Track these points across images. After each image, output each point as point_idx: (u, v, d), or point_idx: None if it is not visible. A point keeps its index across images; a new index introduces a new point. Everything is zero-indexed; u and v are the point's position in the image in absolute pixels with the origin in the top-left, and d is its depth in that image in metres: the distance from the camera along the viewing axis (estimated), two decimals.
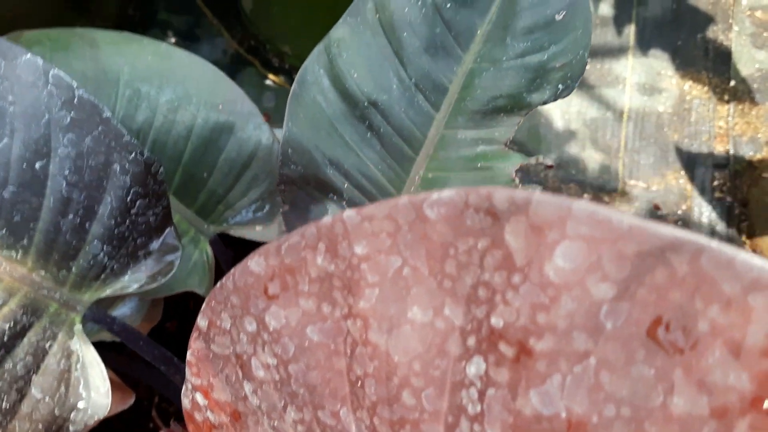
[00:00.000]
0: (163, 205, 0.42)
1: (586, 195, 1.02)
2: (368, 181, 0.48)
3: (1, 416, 0.36)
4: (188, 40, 1.07)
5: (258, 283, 0.27)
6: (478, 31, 0.45)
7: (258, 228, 0.51)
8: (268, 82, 1.06)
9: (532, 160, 0.44)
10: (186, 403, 0.35)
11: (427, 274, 0.24)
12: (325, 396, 0.28)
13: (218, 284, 0.29)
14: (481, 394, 0.23)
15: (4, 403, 0.36)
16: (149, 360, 0.46)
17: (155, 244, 0.43)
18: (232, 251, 0.64)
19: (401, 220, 0.24)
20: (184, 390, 0.35)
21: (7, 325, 0.37)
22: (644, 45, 1.09)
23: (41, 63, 0.37)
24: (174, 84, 0.48)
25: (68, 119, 0.38)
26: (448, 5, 0.45)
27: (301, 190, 0.47)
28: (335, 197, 0.48)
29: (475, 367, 0.23)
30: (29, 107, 0.37)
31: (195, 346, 0.32)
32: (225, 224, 0.51)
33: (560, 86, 0.44)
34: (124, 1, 1.08)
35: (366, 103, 0.46)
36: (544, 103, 0.44)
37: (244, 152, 0.49)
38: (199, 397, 0.33)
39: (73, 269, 0.40)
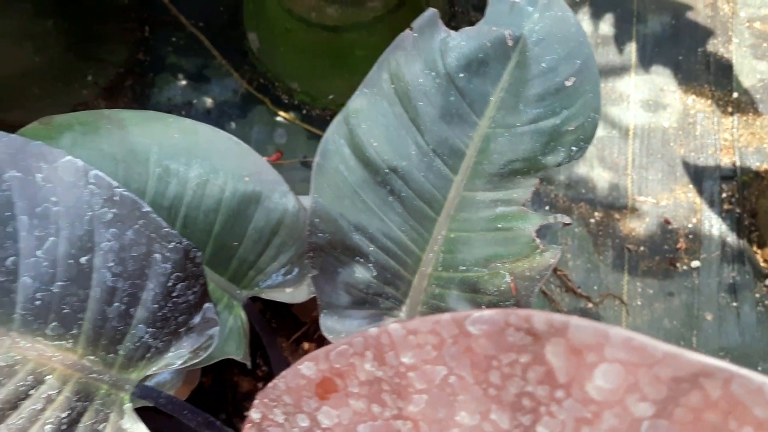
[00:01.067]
0: (201, 283, 0.44)
1: (596, 213, 1.04)
2: (393, 243, 0.49)
3: None
4: (199, 82, 1.09)
5: (309, 385, 0.29)
6: (492, 99, 0.47)
7: (288, 290, 0.53)
8: (278, 118, 1.08)
9: (551, 219, 0.46)
10: None
11: (473, 383, 0.26)
12: None
13: (270, 384, 0.31)
14: None
15: None
16: (193, 427, 0.48)
17: (195, 320, 0.45)
18: (261, 305, 0.66)
19: (445, 334, 0.25)
20: None
21: (66, 414, 0.39)
22: (646, 62, 1.10)
23: (81, 164, 0.39)
24: (201, 159, 0.50)
25: (110, 215, 0.40)
26: (461, 75, 0.47)
27: (329, 255, 0.49)
28: (362, 260, 0.49)
29: None
30: (72, 206, 0.39)
31: (252, 414, 0.34)
32: (257, 288, 0.53)
33: (573, 148, 0.46)
34: (134, 47, 1.11)
35: (387, 170, 0.48)
36: (559, 164, 0.46)
37: (272, 220, 0.51)
38: None
39: (121, 352, 0.42)
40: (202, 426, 0.48)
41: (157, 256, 0.41)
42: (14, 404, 0.38)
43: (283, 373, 0.30)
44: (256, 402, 0.32)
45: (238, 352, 0.50)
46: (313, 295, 0.54)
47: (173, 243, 0.41)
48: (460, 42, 0.46)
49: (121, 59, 1.10)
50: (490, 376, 0.25)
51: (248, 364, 0.51)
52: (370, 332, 0.27)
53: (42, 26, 0.99)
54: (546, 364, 0.23)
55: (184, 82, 1.09)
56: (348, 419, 0.29)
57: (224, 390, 0.63)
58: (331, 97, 1.07)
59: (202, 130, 0.51)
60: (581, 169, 1.07)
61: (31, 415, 0.38)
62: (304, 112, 1.09)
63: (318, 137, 0.99)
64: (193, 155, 0.50)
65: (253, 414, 0.33)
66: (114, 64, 1.09)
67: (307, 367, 0.29)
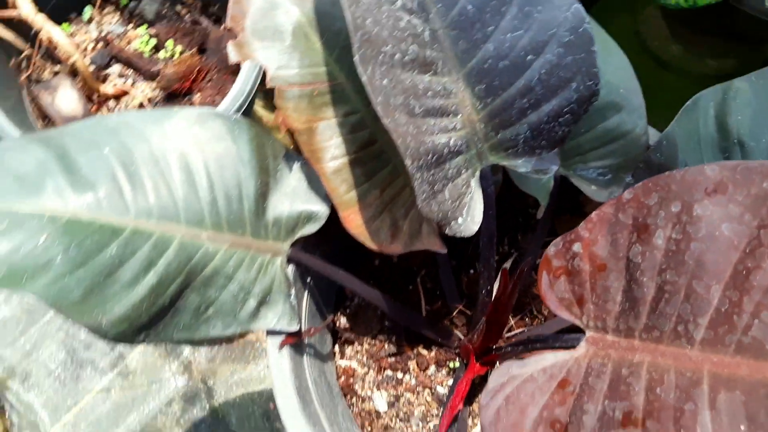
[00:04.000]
0: (571, 128, 0.56)
1: None
2: None
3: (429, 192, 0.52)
4: None
5: (704, 182, 0.40)
6: None
7: (593, 187, 0.64)
8: None
9: None
10: (552, 249, 0.49)
11: None
12: (707, 272, 0.40)
13: (664, 174, 0.42)
14: None
15: (436, 187, 0.52)
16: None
17: (547, 153, 0.57)
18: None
19: None
20: (557, 240, 0.48)
21: (454, 149, 0.53)
22: None
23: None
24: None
25: (566, 39, 0.53)
26: None
27: (653, 173, 0.60)
28: None
29: None
30: (545, 20, 0.53)
31: (604, 210, 0.45)
32: (571, 171, 0.64)
33: None
34: None
35: (735, 141, 0.58)
36: None
37: (619, 130, 0.63)
38: (576, 246, 0.47)
39: (499, 136, 0.56)
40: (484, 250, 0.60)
41: (573, 85, 0.54)
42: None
43: (684, 168, 0.41)
44: (634, 186, 0.44)
45: (545, 198, 0.62)
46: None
47: (591, 82, 0.54)
48: None
49: None
50: None
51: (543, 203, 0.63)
52: None
53: None
54: None
55: None
56: (718, 216, 0.40)
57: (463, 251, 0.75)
58: None
59: (611, 45, 0.64)
60: None
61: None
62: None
63: None
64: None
65: (626, 194, 0.44)
66: None
67: (711, 169, 0.40)
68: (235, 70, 0.88)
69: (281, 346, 0.58)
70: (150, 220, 0.52)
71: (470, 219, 0.54)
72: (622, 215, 0.44)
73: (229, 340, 0.55)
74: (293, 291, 0.59)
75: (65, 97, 0.82)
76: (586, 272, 0.46)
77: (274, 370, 0.57)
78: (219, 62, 0.89)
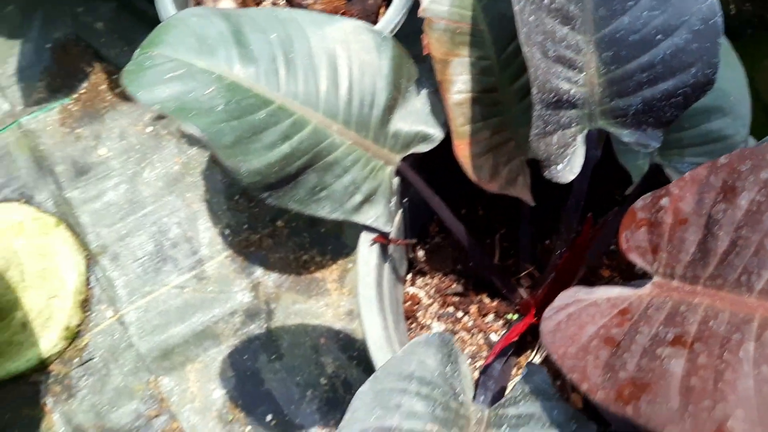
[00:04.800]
0: (677, 113, 0.61)
1: None
2: None
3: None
4: None
5: None
6: None
7: (674, 178, 0.68)
8: None
9: None
10: (640, 203, 0.54)
11: None
12: None
13: (758, 146, 0.47)
14: None
15: (548, 128, 0.58)
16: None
17: (652, 130, 0.62)
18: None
19: None
20: (646, 195, 0.54)
21: (573, 100, 0.59)
22: None
23: None
24: None
25: (696, 27, 0.58)
26: None
27: None
28: None
29: None
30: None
31: (698, 171, 0.50)
32: (667, 162, 0.69)
33: None
34: None
35: None
36: None
37: (721, 133, 0.68)
38: (664, 201, 0.52)
39: (613, 103, 0.61)
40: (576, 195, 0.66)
41: (693, 70, 0.59)
42: None
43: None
44: (731, 154, 0.49)
45: (637, 175, 0.68)
46: None
47: (709, 71, 0.59)
48: None
49: None
50: None
51: None
52: None
53: None
54: None
55: None
56: None
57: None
58: None
59: (733, 57, 0.69)
60: None
61: None
62: None
63: None
64: None
65: (722, 159, 0.49)
66: None
67: None
68: (374, 20, 0.97)
69: (373, 242, 0.65)
70: (294, 102, 0.60)
71: (569, 168, 0.60)
72: (713, 177, 0.49)
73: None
74: (394, 200, 0.66)
75: (225, 7, 0.93)
76: (667, 224, 0.51)
77: (361, 261, 0.65)
78: (362, 11, 0.98)
